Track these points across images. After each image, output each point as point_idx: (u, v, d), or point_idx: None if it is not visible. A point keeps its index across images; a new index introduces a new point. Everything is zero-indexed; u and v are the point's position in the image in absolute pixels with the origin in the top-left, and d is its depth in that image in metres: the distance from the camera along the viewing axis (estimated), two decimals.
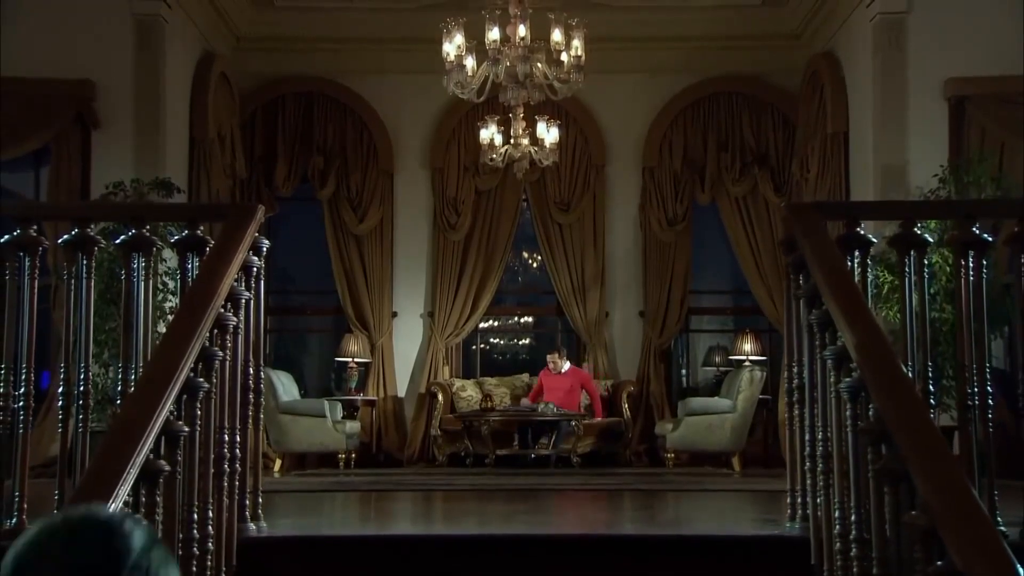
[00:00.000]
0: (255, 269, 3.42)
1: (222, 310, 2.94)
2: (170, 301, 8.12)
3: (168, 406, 2.44)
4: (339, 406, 10.20)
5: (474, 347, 12.25)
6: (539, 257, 12.11)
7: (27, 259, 3.20)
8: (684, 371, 12.52)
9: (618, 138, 11.50)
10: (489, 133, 9.70)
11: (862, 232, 3.21)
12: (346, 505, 5.49)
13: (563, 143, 10.58)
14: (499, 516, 4.79)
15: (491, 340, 14.00)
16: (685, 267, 11.36)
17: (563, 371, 10.60)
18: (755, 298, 11.28)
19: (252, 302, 3.36)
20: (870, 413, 2.58)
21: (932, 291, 7.64)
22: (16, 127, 9.06)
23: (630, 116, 11.42)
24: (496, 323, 13.55)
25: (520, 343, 14.30)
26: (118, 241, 3.25)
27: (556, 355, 10.65)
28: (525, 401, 10.53)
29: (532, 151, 9.71)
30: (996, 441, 3.62)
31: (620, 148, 11.51)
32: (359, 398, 10.92)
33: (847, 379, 2.70)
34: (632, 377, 11.18)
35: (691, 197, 11.37)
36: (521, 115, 9.44)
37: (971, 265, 3.16)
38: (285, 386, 10.12)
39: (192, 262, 3.23)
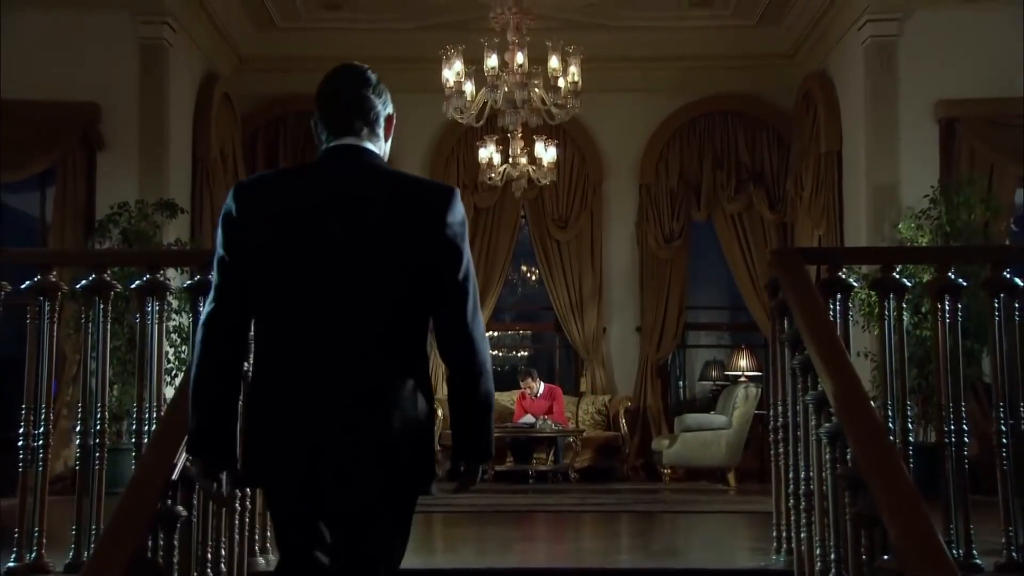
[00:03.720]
0: None
1: None
2: (173, 320, 8.27)
3: (185, 452, 2.58)
4: None
5: None
6: (536, 271, 12.26)
7: (47, 303, 3.34)
8: (681, 383, 12.68)
9: (615, 156, 11.66)
10: (488, 153, 9.84)
11: (844, 276, 3.36)
12: None
13: (561, 161, 10.72)
14: (497, 544, 4.93)
15: (490, 352, 14.14)
16: (682, 283, 11.50)
17: (539, 394, 10.71)
18: (751, 314, 11.42)
19: None
20: (848, 457, 2.73)
21: (925, 310, 7.77)
22: (23, 149, 9.21)
23: (627, 134, 11.58)
24: (496, 334, 13.71)
25: (519, 355, 14.48)
26: (133, 286, 3.39)
27: (530, 379, 10.73)
28: (528, 417, 10.59)
29: (530, 170, 9.85)
30: (985, 456, 3.76)
31: (617, 166, 11.66)
32: None
33: (826, 424, 2.85)
34: (629, 392, 11.32)
35: (687, 214, 11.53)
36: (519, 135, 9.59)
37: (947, 309, 3.32)
38: None
39: (203, 306, 3.37)
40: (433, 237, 2.51)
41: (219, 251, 2.55)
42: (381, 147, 2.67)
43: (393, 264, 2.50)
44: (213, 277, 2.57)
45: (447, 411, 10.83)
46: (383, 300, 2.50)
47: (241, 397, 2.54)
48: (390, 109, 2.70)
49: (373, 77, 2.67)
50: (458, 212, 2.55)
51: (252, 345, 2.59)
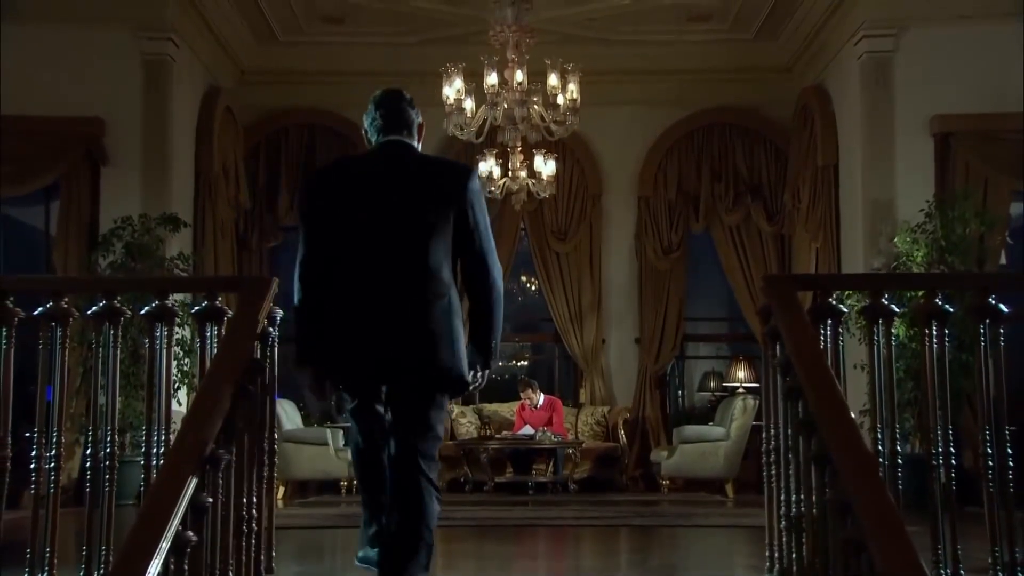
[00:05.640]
0: (270, 339, 3.68)
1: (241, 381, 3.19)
2: (176, 332, 8.35)
3: (194, 480, 2.68)
4: (340, 433, 10.40)
5: None
6: (536, 281, 12.35)
7: (59, 330, 3.43)
8: (681, 391, 12.75)
9: (614, 168, 11.75)
10: (487, 166, 9.92)
11: (833, 302, 3.45)
12: (347, 545, 5.70)
13: (560, 174, 10.80)
14: (497, 560, 5.01)
15: None
16: (680, 294, 11.59)
17: (539, 405, 10.80)
18: (749, 325, 11.49)
19: (267, 370, 3.61)
20: (837, 481, 2.81)
21: (916, 326, 7.85)
22: (27, 163, 9.32)
23: (626, 147, 11.68)
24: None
25: (519, 364, 14.56)
26: (143, 312, 3.48)
27: (530, 390, 10.83)
28: (527, 429, 10.65)
29: (530, 183, 9.95)
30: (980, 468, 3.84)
31: (616, 178, 11.76)
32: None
33: (815, 449, 2.94)
34: (628, 403, 11.39)
35: (686, 226, 11.62)
36: (519, 149, 9.67)
37: (934, 334, 3.41)
38: (288, 414, 10.35)
39: (210, 331, 3.47)
40: (457, 197, 3.57)
41: (302, 222, 3.58)
42: (416, 145, 3.77)
43: (430, 216, 3.53)
44: (301, 237, 3.55)
45: (446, 423, 10.96)
46: (424, 241, 3.51)
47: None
48: (420, 119, 3.82)
49: (408, 96, 3.81)
50: (475, 181, 3.65)
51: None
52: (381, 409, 3.60)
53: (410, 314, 3.44)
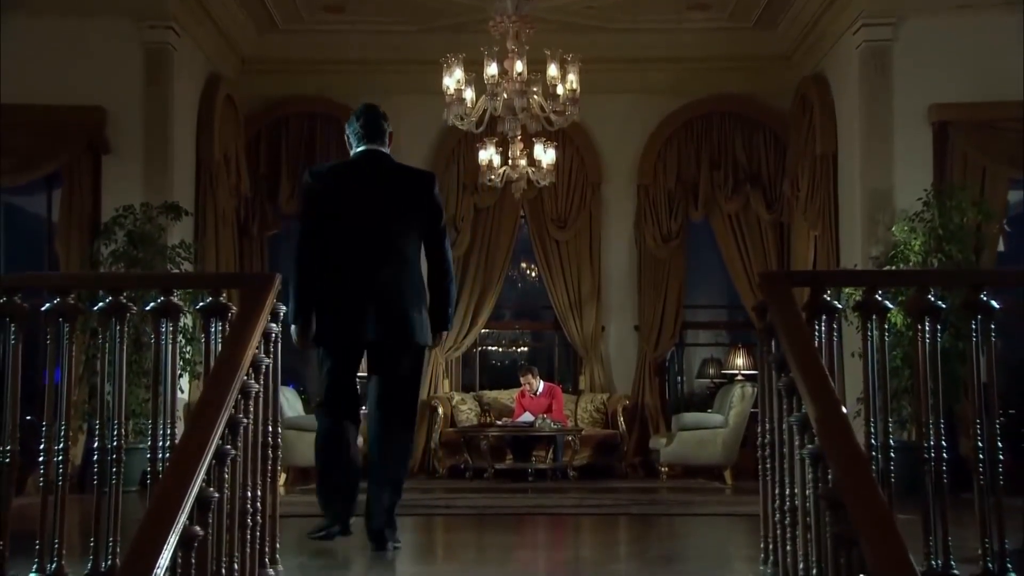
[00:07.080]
0: (273, 335, 3.73)
1: (245, 378, 3.25)
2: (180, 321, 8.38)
3: (201, 476, 2.74)
4: None
5: (475, 350, 12.48)
6: (536, 268, 12.41)
7: (66, 325, 3.48)
8: (680, 378, 12.83)
9: (614, 157, 11.78)
10: (488, 155, 9.96)
11: (828, 299, 3.51)
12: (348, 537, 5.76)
13: (560, 162, 10.82)
14: (497, 550, 5.09)
15: (489, 347, 14.31)
16: (679, 282, 11.63)
17: (539, 392, 10.86)
18: (747, 313, 11.54)
19: (271, 365, 3.67)
20: (830, 477, 2.88)
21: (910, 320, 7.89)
22: (30, 153, 9.36)
23: (625, 135, 11.71)
24: (496, 332, 13.85)
25: (519, 350, 14.63)
26: (148, 308, 3.53)
27: (531, 376, 10.89)
28: (527, 416, 10.70)
29: (529, 172, 9.99)
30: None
31: (616, 166, 11.79)
32: (362, 411, 11.14)
33: (809, 446, 3.00)
34: (627, 391, 11.46)
35: (685, 214, 11.66)
36: (519, 138, 9.70)
37: (927, 330, 3.46)
38: (290, 401, 10.40)
39: (214, 326, 3.53)
40: (424, 199, 4.85)
41: (304, 209, 4.82)
42: (387, 151, 4.91)
43: (402, 213, 4.72)
44: (300, 229, 4.74)
45: (447, 410, 11.05)
46: (397, 232, 4.72)
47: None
48: (391, 129, 4.97)
49: (383, 111, 4.93)
50: (437, 187, 4.90)
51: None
52: (354, 370, 4.90)
53: (388, 298, 4.65)
